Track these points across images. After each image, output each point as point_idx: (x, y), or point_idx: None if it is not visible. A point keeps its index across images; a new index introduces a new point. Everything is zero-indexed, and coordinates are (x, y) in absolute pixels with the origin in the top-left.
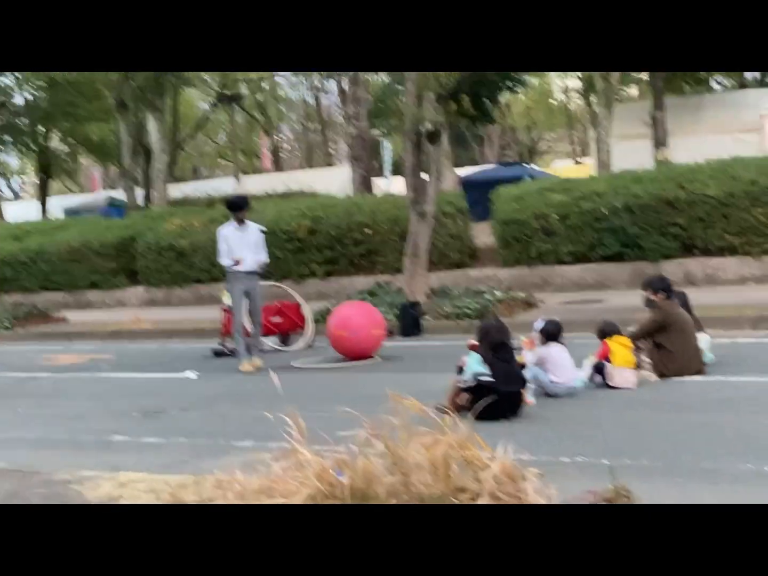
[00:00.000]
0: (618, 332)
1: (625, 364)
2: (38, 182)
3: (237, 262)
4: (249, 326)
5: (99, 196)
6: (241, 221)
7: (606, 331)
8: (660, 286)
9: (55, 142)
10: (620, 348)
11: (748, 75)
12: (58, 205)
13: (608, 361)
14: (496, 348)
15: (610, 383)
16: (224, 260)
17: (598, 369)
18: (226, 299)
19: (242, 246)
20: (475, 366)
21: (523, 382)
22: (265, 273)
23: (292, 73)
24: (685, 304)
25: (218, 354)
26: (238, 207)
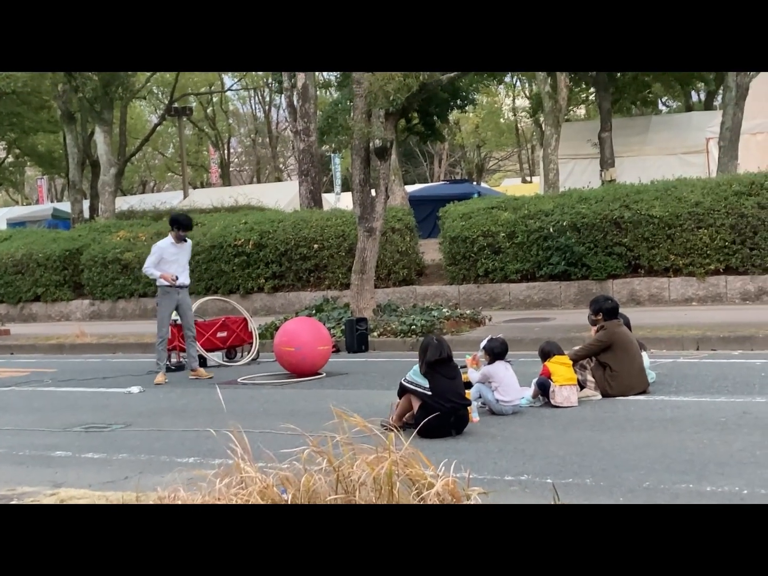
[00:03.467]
0: (559, 352)
1: (566, 381)
2: None
3: (174, 279)
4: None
5: (44, 207)
6: (180, 239)
7: (546, 351)
8: (599, 307)
9: (0, 153)
10: (560, 367)
11: (695, 98)
12: (2, 216)
13: (550, 380)
14: (434, 365)
15: (553, 402)
16: (149, 270)
17: (542, 388)
18: (175, 314)
19: (176, 263)
20: (416, 376)
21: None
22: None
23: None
24: (627, 325)
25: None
26: (183, 226)
